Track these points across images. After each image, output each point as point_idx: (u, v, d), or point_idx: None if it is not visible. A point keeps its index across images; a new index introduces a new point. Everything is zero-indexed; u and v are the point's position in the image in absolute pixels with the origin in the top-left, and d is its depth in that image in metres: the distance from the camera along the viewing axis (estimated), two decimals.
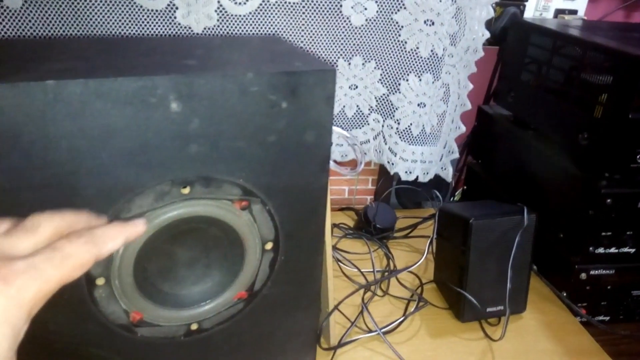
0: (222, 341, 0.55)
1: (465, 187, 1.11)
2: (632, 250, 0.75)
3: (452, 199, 1.13)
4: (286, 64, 0.48)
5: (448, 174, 1.04)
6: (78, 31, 0.76)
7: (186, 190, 0.46)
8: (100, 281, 0.46)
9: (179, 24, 0.80)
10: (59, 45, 0.51)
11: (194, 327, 0.53)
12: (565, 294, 0.78)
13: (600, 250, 0.75)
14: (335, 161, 0.95)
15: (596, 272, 0.76)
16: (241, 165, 0.47)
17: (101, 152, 0.41)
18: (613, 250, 0.75)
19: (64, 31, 0.75)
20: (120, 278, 0.47)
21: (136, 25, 0.78)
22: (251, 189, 0.49)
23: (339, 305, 0.66)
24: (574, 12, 1.03)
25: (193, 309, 0.52)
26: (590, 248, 0.74)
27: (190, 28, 0.81)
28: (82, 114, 0.40)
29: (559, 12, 1.03)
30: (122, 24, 0.77)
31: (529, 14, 1.03)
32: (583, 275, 0.76)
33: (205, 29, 0.81)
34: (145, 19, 0.78)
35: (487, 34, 0.93)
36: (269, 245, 0.53)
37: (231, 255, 0.52)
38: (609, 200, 0.70)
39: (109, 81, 0.39)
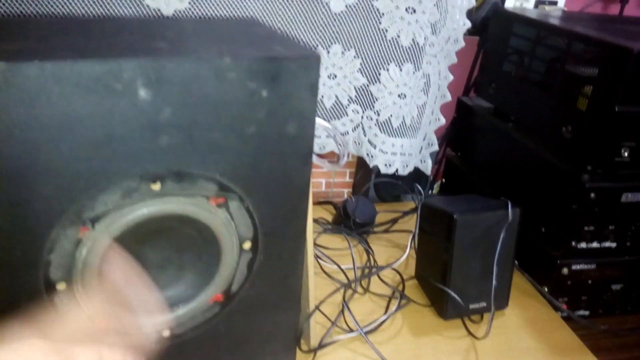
0: (196, 347, 0.51)
1: (443, 180, 1.09)
2: (614, 245, 0.75)
3: (430, 191, 1.11)
4: (266, 49, 0.45)
5: (427, 167, 1.02)
6: (35, 9, 0.70)
7: (156, 186, 0.42)
8: (61, 286, 0.42)
9: (148, 5, 0.75)
10: (12, 25, 0.46)
11: (166, 333, 0.49)
12: (546, 289, 0.77)
13: (583, 245, 0.74)
14: (315, 154, 0.92)
15: (578, 266, 0.75)
16: (217, 158, 0.44)
17: (60, 143, 0.37)
18: (595, 244, 0.74)
19: (19, 9, 0.69)
20: (83, 282, 0.42)
21: (101, 5, 0.73)
22: (228, 185, 0.45)
23: (319, 305, 0.63)
24: (554, 2, 1.02)
25: (164, 314, 0.48)
26: (573, 242, 0.73)
27: (159, 11, 0.76)
28: (38, 101, 0.35)
29: (539, 3, 1.01)
30: (86, 3, 0.72)
31: (510, 3, 1.01)
32: (565, 270, 0.75)
33: (175, 12, 0.77)
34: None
35: (469, 24, 0.90)
36: (247, 245, 0.49)
37: (206, 256, 0.48)
38: (592, 195, 0.69)
39: (69, 64, 0.35)
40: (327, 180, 1.08)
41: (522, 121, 0.86)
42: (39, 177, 0.37)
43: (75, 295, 0.43)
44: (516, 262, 0.81)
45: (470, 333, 0.69)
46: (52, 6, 0.70)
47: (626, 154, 0.68)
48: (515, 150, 0.84)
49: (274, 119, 0.44)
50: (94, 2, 0.72)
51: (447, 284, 0.68)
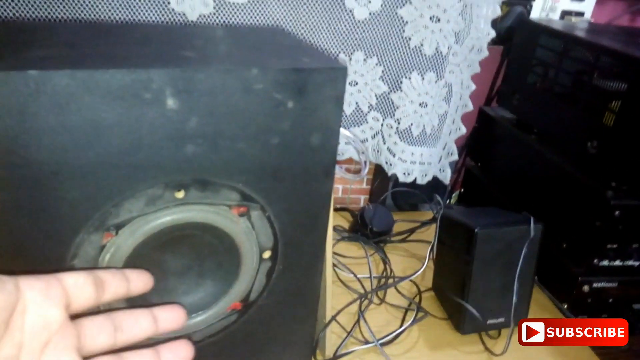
0: (213, 354, 0.51)
1: (462, 190, 1.08)
2: (637, 264, 0.73)
3: (448, 201, 1.10)
4: (293, 60, 0.44)
5: (446, 177, 1.01)
6: (65, 14, 0.71)
7: (180, 194, 0.42)
8: None
9: (173, 10, 0.76)
10: (43, 30, 0.47)
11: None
12: (566, 306, 0.75)
13: (605, 262, 0.72)
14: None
15: (599, 284, 0.74)
16: (241, 168, 0.44)
17: (87, 151, 0.37)
18: (617, 263, 0.73)
19: (49, 13, 0.70)
20: None
21: (127, 9, 0.73)
22: (250, 194, 0.45)
23: (336, 316, 0.63)
24: (580, 14, 1.01)
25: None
26: (595, 260, 0.72)
27: (184, 15, 0.76)
28: (68, 109, 0.35)
29: (565, 14, 1.00)
30: (112, 7, 0.72)
31: (535, 14, 1.00)
32: (586, 288, 0.74)
33: (200, 16, 0.77)
34: (137, 3, 0.73)
35: (493, 33, 0.89)
36: (267, 254, 0.49)
37: (226, 264, 0.48)
38: (617, 212, 0.68)
39: (99, 73, 0.35)
40: (344, 187, 1.08)
41: (546, 134, 0.84)
42: (65, 184, 0.38)
43: None
44: (536, 277, 0.80)
45: (487, 349, 0.68)
46: (78, 10, 0.71)
47: None
48: (537, 163, 0.83)
49: (299, 130, 0.44)
50: (120, 7, 0.72)
51: (465, 298, 0.67)
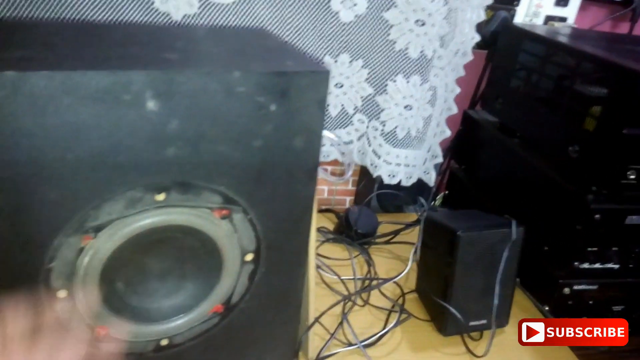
0: (194, 357, 0.51)
1: (447, 192, 1.09)
2: (617, 267, 0.74)
3: (433, 203, 1.11)
4: (277, 63, 0.44)
5: (431, 179, 1.02)
6: (46, 12, 0.70)
7: (161, 197, 0.42)
8: (62, 294, 0.42)
9: (157, 9, 0.75)
10: (23, 29, 0.46)
11: (165, 342, 0.49)
12: (547, 308, 0.76)
13: (585, 265, 0.73)
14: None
15: (580, 287, 0.75)
16: (223, 170, 0.43)
17: (66, 152, 0.37)
18: (597, 265, 0.74)
19: (30, 12, 0.69)
20: (84, 291, 0.42)
21: (110, 9, 0.72)
22: (233, 197, 0.45)
23: (319, 318, 0.63)
24: (563, 19, 1.02)
25: (164, 324, 0.48)
26: (575, 263, 0.73)
27: (169, 15, 0.76)
28: (46, 110, 0.35)
29: (549, 19, 1.01)
30: (95, 6, 0.72)
31: (519, 19, 1.01)
32: (566, 290, 0.75)
33: (184, 17, 0.76)
34: (120, 3, 0.73)
35: (478, 38, 0.90)
36: (249, 257, 0.49)
37: (208, 267, 0.48)
38: (597, 216, 0.69)
39: (78, 74, 0.35)
40: (329, 188, 1.08)
41: (528, 138, 0.85)
42: (44, 185, 0.37)
43: (75, 303, 0.42)
44: (517, 279, 0.81)
45: (469, 350, 0.69)
46: (60, 10, 0.70)
47: (632, 177, 0.67)
48: (520, 167, 0.84)
49: (281, 133, 0.44)
50: (103, 6, 0.72)
51: (447, 300, 0.68)
